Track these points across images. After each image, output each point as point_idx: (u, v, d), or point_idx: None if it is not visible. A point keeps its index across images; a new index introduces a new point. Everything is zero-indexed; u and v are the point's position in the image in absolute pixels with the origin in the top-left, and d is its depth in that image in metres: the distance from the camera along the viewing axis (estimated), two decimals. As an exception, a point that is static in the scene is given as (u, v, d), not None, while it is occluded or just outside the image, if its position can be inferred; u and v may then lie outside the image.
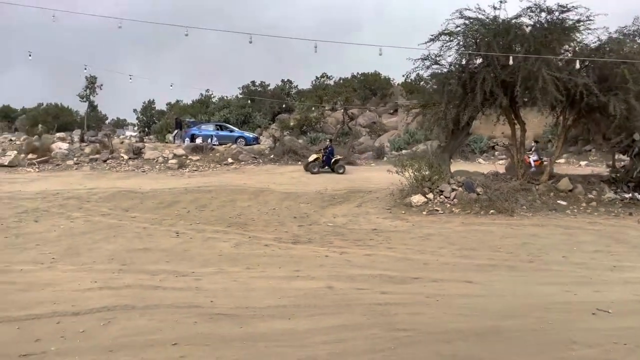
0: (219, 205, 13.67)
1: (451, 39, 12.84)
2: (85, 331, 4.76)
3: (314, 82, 37.61)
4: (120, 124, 64.82)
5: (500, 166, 22.72)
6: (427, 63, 13.40)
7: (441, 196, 13.31)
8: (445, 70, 13.49)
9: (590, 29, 12.32)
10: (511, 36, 11.79)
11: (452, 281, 6.85)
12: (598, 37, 12.50)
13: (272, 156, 24.25)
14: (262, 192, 15.69)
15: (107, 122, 60.81)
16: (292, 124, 39.35)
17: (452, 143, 14.51)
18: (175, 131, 29.99)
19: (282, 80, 53.48)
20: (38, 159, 22.08)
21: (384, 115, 44.13)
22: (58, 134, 33.08)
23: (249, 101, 47.00)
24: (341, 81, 41.55)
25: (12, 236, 9.51)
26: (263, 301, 5.78)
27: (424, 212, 12.60)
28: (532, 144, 21.42)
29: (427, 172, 13.51)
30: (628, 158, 13.84)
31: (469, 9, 13.08)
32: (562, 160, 23.87)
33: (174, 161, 22.44)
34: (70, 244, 8.86)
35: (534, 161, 16.55)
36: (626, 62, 11.46)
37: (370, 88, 45.73)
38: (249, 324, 5.05)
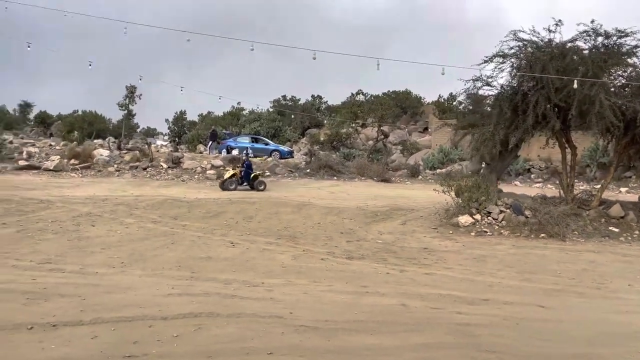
0: (264, 217, 13.78)
1: (504, 60, 12.85)
2: (179, 336, 4.84)
3: (348, 98, 37.82)
4: (150, 133, 65.97)
5: (537, 189, 22.47)
6: (479, 84, 13.42)
7: (489, 217, 13.19)
8: (496, 91, 13.48)
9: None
10: (568, 60, 11.74)
11: (523, 304, 6.77)
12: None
13: (307, 170, 24.40)
14: (304, 205, 15.76)
15: (138, 130, 62.05)
16: (322, 139, 39.60)
17: (499, 164, 14.42)
18: (210, 142, 30.43)
19: (312, 96, 54.05)
20: (80, 165, 22.65)
21: (414, 133, 44.12)
22: (96, 141, 33.92)
23: (279, 115, 47.59)
24: (372, 98, 41.72)
25: (74, 239, 9.75)
26: (341, 315, 5.80)
27: (472, 233, 12.50)
28: None
29: (475, 193, 13.41)
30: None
31: (523, 31, 13.10)
32: (598, 186, 23.46)
33: (212, 172, 22.77)
34: (133, 250, 9.04)
35: None
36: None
37: (400, 106, 45.83)
38: (335, 337, 5.07)
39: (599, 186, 22.29)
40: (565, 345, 5.19)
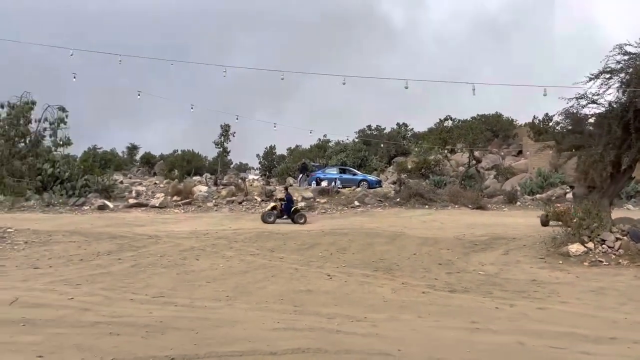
0: (358, 249, 13.68)
1: (611, 76, 11.97)
2: (290, 373, 4.83)
3: (436, 125, 37.22)
4: (242, 168, 68.97)
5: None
6: (583, 102, 12.58)
7: (603, 246, 12.12)
8: (603, 109, 12.54)
9: None
10: None
11: (659, 344, 6.03)
12: None
13: (397, 199, 24.07)
14: (397, 236, 15.47)
15: (231, 166, 65.21)
16: (410, 166, 39.09)
17: (611, 188, 13.29)
18: (301, 175, 31.15)
19: (398, 124, 53.77)
20: (182, 201, 24.07)
21: (507, 157, 42.21)
22: (195, 178, 36.03)
23: (365, 145, 47.78)
24: (460, 123, 40.72)
25: (182, 273, 10.27)
26: (454, 354, 5.51)
27: (585, 263, 11.52)
28: None
29: (585, 220, 12.41)
30: None
31: (630, 44, 12.17)
32: None
33: (302, 204, 23.15)
34: (237, 283, 9.32)
35: None
36: None
37: (491, 129, 44.21)
38: (451, 378, 4.80)
39: None
40: None
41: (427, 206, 23.60)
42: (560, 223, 14.94)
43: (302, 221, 18.81)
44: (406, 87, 13.54)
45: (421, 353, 5.51)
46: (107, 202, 23.44)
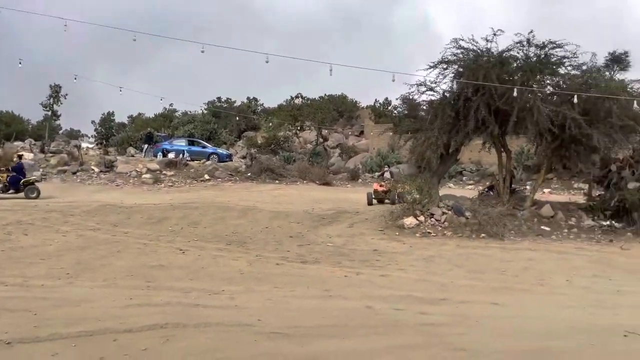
0: (210, 223, 13.45)
1: (447, 67, 13.39)
2: (148, 349, 4.60)
3: (286, 101, 37.77)
4: (74, 135, 62.35)
5: (470, 191, 23.55)
6: (422, 89, 13.89)
7: (432, 219, 13.64)
8: (438, 96, 14.00)
9: (574, 65, 13.22)
10: (508, 67, 12.42)
11: (479, 303, 7.06)
12: (583, 72, 13.38)
13: (248, 174, 24.09)
14: (249, 210, 15.54)
15: (60, 132, 58.49)
16: (260, 142, 39.24)
17: (441, 168, 14.97)
18: (146, 145, 29.28)
19: (248, 98, 53.47)
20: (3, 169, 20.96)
21: (350, 137, 44.83)
22: (16, 143, 31.61)
23: (214, 117, 46.61)
24: (309, 102, 41.98)
25: (7, 249, 9.04)
26: (310, 320, 5.77)
27: (417, 234, 12.87)
28: (385, 168, 23.30)
29: (418, 196, 13.83)
30: (602, 187, 14.73)
31: (463, 39, 13.70)
32: (527, 187, 24.94)
33: (147, 176, 21.93)
34: (77, 259, 8.51)
35: (380, 185, 18.47)
36: (612, 97, 12.32)
37: (337, 110, 46.39)
38: (309, 344, 5.02)
39: (528, 187, 23.78)
40: (524, 340, 5.46)
41: (277, 181, 24.06)
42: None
43: (34, 195, 16.21)
44: (267, 62, 13.49)
45: (279, 321, 5.67)
46: None
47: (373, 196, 17.88)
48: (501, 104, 12.37)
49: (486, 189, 17.33)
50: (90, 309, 5.69)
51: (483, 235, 12.76)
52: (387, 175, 21.84)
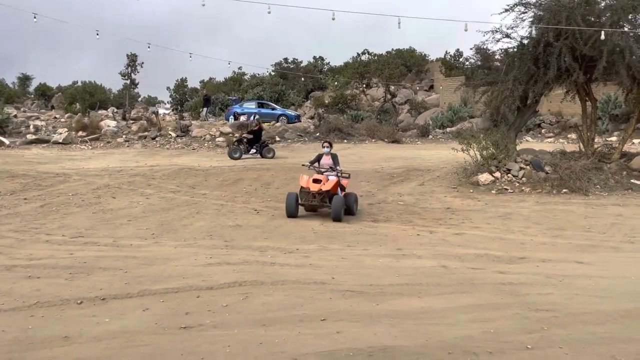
0: (282, 183, 13.68)
1: (526, 10, 12.42)
2: (229, 305, 4.82)
3: (352, 59, 37.06)
4: (152, 102, 65.27)
5: (549, 144, 22.29)
6: (498, 36, 13.03)
7: (508, 175, 13.09)
8: (515, 43, 13.10)
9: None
10: (594, 7, 11.31)
11: (562, 262, 6.74)
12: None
13: (317, 134, 24.17)
14: (319, 170, 15.63)
15: (139, 99, 61.37)
16: (327, 101, 39.08)
17: (518, 121, 14.19)
18: (205, 109, 29.91)
19: (314, 57, 53.09)
20: (89, 137, 22.47)
21: (420, 92, 43.49)
22: (100, 112, 33.56)
23: (281, 78, 46.82)
24: (376, 58, 40.95)
25: (99, 212, 9.72)
26: (383, 279, 5.77)
27: (493, 191, 12.42)
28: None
29: (494, 151, 13.25)
30: None
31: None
32: (613, 138, 23.15)
33: (221, 139, 22.57)
34: (161, 220, 9.01)
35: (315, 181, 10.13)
36: None
37: (405, 64, 44.97)
38: (383, 302, 5.04)
39: (613, 139, 22.09)
40: (615, 301, 5.16)
41: (345, 140, 23.98)
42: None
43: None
44: (333, 19, 13.22)
45: (353, 280, 5.72)
46: (1, 139, 21.30)
47: (301, 200, 9.89)
48: (587, 50, 11.36)
49: None
50: (175, 267, 6.03)
51: (565, 190, 12.09)
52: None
